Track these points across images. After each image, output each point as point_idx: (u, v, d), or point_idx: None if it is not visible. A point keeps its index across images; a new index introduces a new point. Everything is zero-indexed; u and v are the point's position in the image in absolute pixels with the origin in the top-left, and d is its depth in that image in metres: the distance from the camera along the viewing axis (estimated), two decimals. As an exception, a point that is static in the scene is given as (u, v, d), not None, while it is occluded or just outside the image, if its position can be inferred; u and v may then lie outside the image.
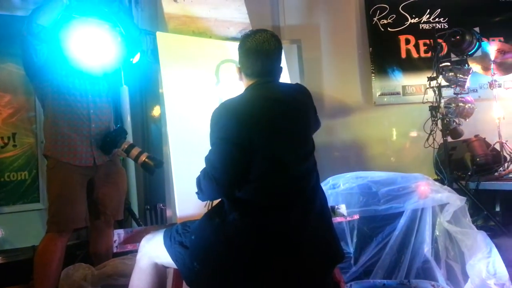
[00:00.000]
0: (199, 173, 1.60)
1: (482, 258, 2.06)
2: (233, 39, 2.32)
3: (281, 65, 1.71)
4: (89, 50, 2.30)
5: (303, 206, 1.54)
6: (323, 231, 1.59)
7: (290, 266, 1.49)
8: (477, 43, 3.87)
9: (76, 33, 2.27)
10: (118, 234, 1.88)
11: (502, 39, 4.69)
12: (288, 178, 1.54)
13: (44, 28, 2.13)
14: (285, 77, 2.36)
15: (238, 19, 2.41)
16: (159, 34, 2.14)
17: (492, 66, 3.95)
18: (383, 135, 4.67)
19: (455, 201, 2.33)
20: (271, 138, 1.53)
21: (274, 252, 1.48)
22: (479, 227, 3.41)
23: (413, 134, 4.59)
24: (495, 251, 2.08)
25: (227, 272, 1.49)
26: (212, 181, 1.52)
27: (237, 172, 1.50)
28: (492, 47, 3.99)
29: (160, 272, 1.69)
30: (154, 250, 1.66)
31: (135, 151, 2.29)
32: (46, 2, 2.15)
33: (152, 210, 3.57)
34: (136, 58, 2.99)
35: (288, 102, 1.61)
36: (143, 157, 2.27)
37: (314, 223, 1.54)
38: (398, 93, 4.77)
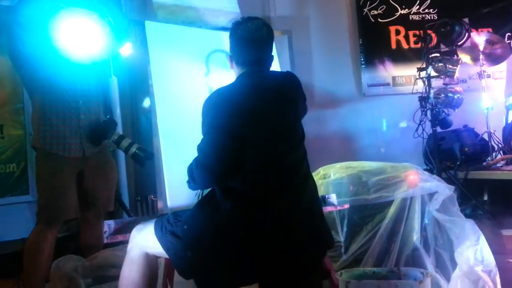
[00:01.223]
0: (191, 162, 1.60)
1: (470, 245, 2.08)
2: (223, 28, 2.30)
3: (272, 54, 1.71)
4: (77, 40, 2.26)
5: (294, 194, 1.55)
6: (313, 218, 1.60)
7: (282, 253, 1.50)
8: (466, 33, 3.90)
9: (64, 23, 2.24)
10: (108, 225, 1.87)
11: (490, 30, 4.72)
12: (280, 166, 1.55)
13: (31, 18, 2.10)
14: (275, 68, 2.36)
15: (228, 8, 2.39)
16: (148, 24, 2.12)
17: (481, 56, 3.98)
18: (373, 125, 4.70)
19: (444, 190, 2.35)
20: (262, 127, 1.53)
21: (266, 240, 1.48)
22: (467, 216, 3.45)
23: (403, 124, 4.63)
24: (482, 239, 2.11)
25: (219, 261, 1.49)
26: (205, 169, 1.52)
27: (230, 160, 1.50)
28: (481, 38, 4.02)
29: (151, 262, 1.68)
30: (145, 240, 1.66)
31: (125, 142, 2.28)
32: None
33: (143, 202, 3.56)
34: (125, 48, 2.97)
35: (279, 91, 1.61)
36: (133, 149, 2.26)
37: (304, 210, 1.55)
38: (388, 84, 4.80)
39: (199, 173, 1.54)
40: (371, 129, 4.68)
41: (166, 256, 1.63)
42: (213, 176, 1.52)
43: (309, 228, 1.56)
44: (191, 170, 1.58)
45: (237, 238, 1.48)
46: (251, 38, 1.61)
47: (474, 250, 2.07)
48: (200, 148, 1.55)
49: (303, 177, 1.61)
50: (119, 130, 3.35)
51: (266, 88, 1.59)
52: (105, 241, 1.86)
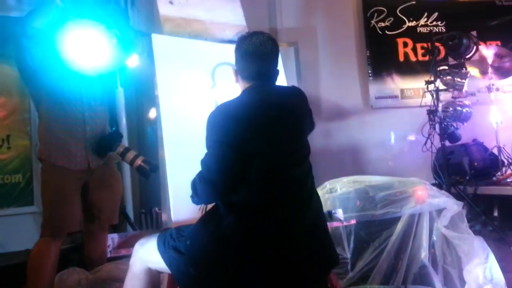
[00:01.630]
0: (195, 176, 1.58)
1: (479, 263, 2.04)
2: (229, 41, 2.30)
3: (278, 68, 1.70)
4: (84, 52, 2.28)
5: (299, 210, 1.53)
6: (317, 234, 1.58)
7: (286, 270, 1.47)
8: (474, 47, 3.87)
9: (71, 35, 2.25)
10: (112, 239, 1.86)
11: (499, 43, 4.69)
12: (284, 182, 1.53)
13: (39, 31, 2.11)
14: (282, 80, 2.35)
15: (234, 21, 2.39)
16: (154, 36, 2.12)
17: (490, 70, 3.95)
18: (380, 138, 4.66)
19: (452, 206, 2.31)
20: (267, 141, 1.52)
21: (270, 256, 1.46)
22: (477, 232, 3.41)
23: (411, 138, 4.58)
24: (492, 256, 2.07)
25: (223, 277, 1.47)
26: (209, 184, 1.50)
27: (234, 175, 1.48)
28: (489, 51, 3.99)
29: (153, 277, 1.67)
30: (147, 255, 1.64)
31: (130, 155, 2.27)
32: (41, 4, 2.13)
33: (148, 214, 3.54)
34: (132, 60, 2.98)
35: (284, 105, 1.60)
36: (138, 161, 2.25)
37: (309, 227, 1.53)
38: (396, 97, 4.77)
39: (202, 187, 1.53)
40: (379, 142, 4.65)
41: (169, 271, 1.62)
42: (217, 190, 1.51)
43: (313, 244, 1.54)
44: (194, 184, 1.57)
45: (241, 253, 1.46)
46: (256, 52, 1.61)
47: (483, 268, 2.03)
48: (204, 162, 1.53)
49: (307, 192, 1.59)
50: (125, 141, 3.35)
51: (271, 103, 1.58)
52: (109, 255, 1.85)
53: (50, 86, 2.24)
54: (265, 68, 1.63)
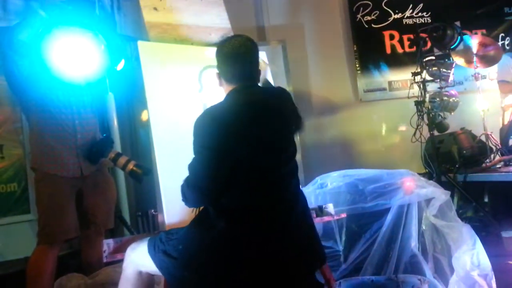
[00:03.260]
0: (183, 182, 1.61)
1: (467, 250, 2.09)
2: (215, 45, 2.33)
3: (259, 68, 1.73)
4: (72, 60, 2.30)
5: (286, 210, 1.57)
6: (304, 234, 1.62)
7: (276, 270, 1.51)
8: (459, 37, 3.92)
9: (58, 44, 2.27)
10: (108, 244, 1.90)
11: (484, 31, 4.75)
12: (272, 183, 1.57)
13: (25, 43, 2.14)
14: (269, 78, 2.38)
15: (219, 24, 2.42)
16: (140, 43, 2.15)
17: (475, 59, 4.00)
18: (371, 131, 4.72)
19: (440, 195, 2.36)
20: (254, 145, 1.55)
21: (260, 257, 1.50)
22: (468, 219, 3.48)
23: (401, 129, 4.64)
24: (479, 243, 2.12)
25: (215, 280, 1.51)
26: (197, 189, 1.53)
27: (221, 180, 1.51)
28: (474, 41, 4.04)
29: (146, 280, 1.70)
30: (139, 259, 1.68)
31: (122, 160, 2.30)
32: (25, 17, 2.15)
33: (144, 217, 3.57)
34: (120, 65, 3.00)
35: (269, 107, 1.63)
36: (130, 166, 2.28)
37: (296, 227, 1.57)
38: (384, 89, 4.81)
39: (190, 193, 1.56)
40: (369, 134, 4.70)
41: (160, 274, 1.65)
42: (204, 196, 1.54)
43: (300, 243, 1.58)
44: (183, 189, 1.60)
45: (232, 256, 1.49)
46: (236, 53, 1.64)
47: (470, 254, 2.08)
48: (191, 168, 1.56)
49: (294, 191, 1.63)
50: (118, 146, 3.38)
51: (256, 104, 1.61)
52: (104, 260, 1.89)
53: (39, 96, 2.26)
54: (246, 69, 1.66)
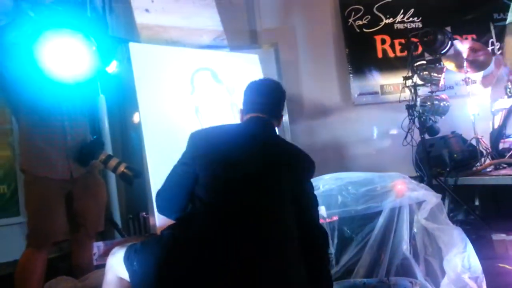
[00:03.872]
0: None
1: (458, 253, 2.10)
2: (207, 47, 2.34)
3: (282, 112, 1.76)
4: (62, 61, 2.28)
5: (252, 242, 1.47)
6: (278, 274, 1.48)
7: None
8: (449, 42, 3.96)
9: (48, 45, 2.25)
10: (98, 247, 1.89)
11: (474, 36, 4.80)
12: (245, 217, 1.50)
13: (14, 44, 2.12)
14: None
15: (211, 27, 2.43)
16: (132, 45, 2.15)
17: (465, 64, 4.04)
18: (363, 135, 4.73)
19: (432, 198, 2.37)
20: (229, 167, 1.54)
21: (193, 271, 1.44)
22: (459, 222, 3.50)
23: (393, 132, 4.66)
24: (470, 246, 2.13)
25: None
26: (158, 199, 1.62)
27: (182, 199, 1.56)
28: (464, 46, 4.09)
29: (124, 286, 1.67)
30: (117, 265, 1.66)
31: (113, 162, 2.29)
32: (15, 18, 2.13)
33: (135, 219, 3.55)
34: (111, 67, 2.98)
35: (271, 148, 1.64)
36: (121, 168, 2.27)
37: (264, 261, 1.47)
38: (376, 93, 4.84)
39: (156, 199, 1.63)
40: (362, 138, 4.71)
41: None
42: (161, 210, 1.62)
43: (269, 274, 1.46)
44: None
45: (184, 270, 1.45)
46: (263, 89, 1.73)
47: (461, 257, 2.08)
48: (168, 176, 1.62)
49: (269, 228, 1.52)
50: (108, 148, 3.36)
51: (257, 139, 1.63)
52: (95, 263, 1.87)
53: (28, 97, 2.24)
54: (269, 103, 1.71)
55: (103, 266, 2.23)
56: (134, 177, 2.28)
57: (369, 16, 4.85)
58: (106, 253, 1.87)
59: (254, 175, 1.55)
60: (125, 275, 1.63)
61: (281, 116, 1.76)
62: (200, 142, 1.57)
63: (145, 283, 1.50)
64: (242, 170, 1.54)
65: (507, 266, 2.61)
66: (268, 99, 1.71)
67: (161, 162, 2.08)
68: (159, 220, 2.00)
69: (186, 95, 2.19)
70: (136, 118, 3.82)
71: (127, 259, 1.60)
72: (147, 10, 2.26)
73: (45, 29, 2.24)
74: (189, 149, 1.59)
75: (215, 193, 1.52)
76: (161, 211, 1.66)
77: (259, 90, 1.71)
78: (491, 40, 4.84)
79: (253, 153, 1.58)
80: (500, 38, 4.80)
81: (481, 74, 4.45)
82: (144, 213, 3.49)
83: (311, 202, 1.69)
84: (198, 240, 1.46)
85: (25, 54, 2.18)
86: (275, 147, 1.66)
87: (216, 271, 1.42)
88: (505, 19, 4.63)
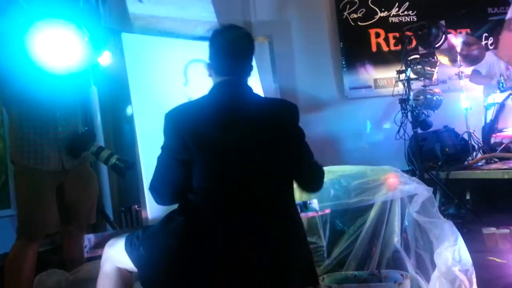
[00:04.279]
0: None
1: (449, 246, 2.11)
2: (201, 38, 2.32)
3: (252, 64, 1.66)
4: (54, 52, 2.25)
5: (257, 227, 1.46)
6: (282, 251, 1.47)
7: (234, 268, 1.42)
8: (443, 35, 3.96)
9: (40, 36, 2.22)
10: (89, 239, 1.88)
11: (468, 30, 4.81)
12: (238, 192, 1.47)
13: (5, 33, 2.09)
14: (254, 73, 2.37)
15: (205, 18, 2.41)
16: (124, 36, 2.13)
17: (459, 58, 4.05)
18: (356, 128, 4.74)
19: (423, 192, 2.38)
20: (214, 150, 1.47)
21: (217, 254, 1.42)
22: (451, 215, 3.53)
23: (386, 126, 4.68)
24: (460, 239, 2.14)
25: (173, 278, 1.47)
26: (152, 191, 1.54)
27: (176, 184, 1.49)
28: (458, 40, 4.09)
29: (124, 276, 1.66)
30: (116, 255, 1.65)
31: (104, 154, 2.26)
32: (6, 8, 2.10)
33: (127, 212, 3.53)
34: (104, 58, 2.95)
35: (255, 113, 1.53)
36: (113, 160, 2.25)
37: (270, 245, 1.46)
38: (370, 87, 4.84)
39: (151, 193, 1.57)
40: (354, 132, 4.73)
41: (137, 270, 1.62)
42: (160, 199, 1.55)
43: (271, 260, 1.44)
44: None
45: (188, 250, 1.45)
46: (231, 48, 1.58)
47: (452, 250, 2.10)
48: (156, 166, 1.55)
49: (272, 209, 1.50)
50: (100, 139, 3.34)
51: (238, 104, 1.54)
52: (86, 255, 1.86)
53: (20, 88, 2.21)
54: (238, 64, 1.59)
55: (94, 258, 2.22)
56: (126, 169, 2.26)
57: (364, 9, 4.84)
58: (97, 246, 1.85)
59: (246, 152, 1.49)
60: (126, 264, 1.61)
61: (252, 68, 1.63)
62: (182, 124, 1.48)
63: (153, 268, 1.49)
64: (235, 152, 1.48)
65: (496, 259, 2.64)
66: (242, 60, 1.58)
67: (153, 154, 2.05)
68: (151, 213, 1.99)
69: (179, 87, 2.18)
70: (128, 109, 3.79)
71: (130, 246, 1.59)
72: (140, 0, 2.23)
73: (37, 19, 2.21)
74: (173, 133, 1.48)
75: (213, 179, 1.48)
76: (161, 203, 1.60)
77: (230, 51, 1.56)
78: (484, 35, 4.85)
79: (239, 129, 1.49)
80: (494, 32, 4.82)
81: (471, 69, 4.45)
82: (136, 206, 3.47)
83: (304, 150, 1.62)
84: (207, 230, 1.45)
85: (16, 44, 2.15)
86: (258, 114, 1.53)
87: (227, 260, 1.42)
88: (500, 14, 4.65)
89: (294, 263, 1.49)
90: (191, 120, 1.50)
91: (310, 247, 1.65)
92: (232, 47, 1.58)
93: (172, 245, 1.46)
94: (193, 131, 1.47)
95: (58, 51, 2.26)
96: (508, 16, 4.24)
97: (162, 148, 1.53)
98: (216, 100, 1.56)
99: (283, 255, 1.47)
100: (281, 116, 1.58)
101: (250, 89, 1.63)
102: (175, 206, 1.74)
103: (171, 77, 2.20)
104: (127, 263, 1.61)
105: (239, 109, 1.53)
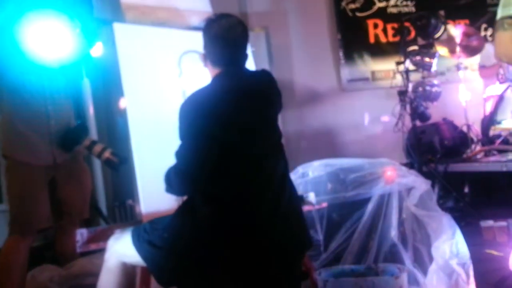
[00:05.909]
0: (168, 170, 1.55)
1: (447, 239, 2.10)
2: (195, 28, 2.27)
3: (247, 52, 1.67)
4: (45, 44, 2.21)
5: (273, 197, 1.54)
6: (292, 220, 1.60)
7: (262, 259, 1.50)
8: (442, 26, 3.91)
9: (31, 26, 2.18)
10: (81, 234, 1.85)
11: (467, 21, 4.76)
12: (258, 170, 1.54)
13: None
14: (251, 65, 2.33)
15: (200, 8, 2.36)
16: (116, 26, 2.08)
17: (458, 49, 4.00)
18: (353, 121, 4.70)
19: (421, 185, 2.36)
20: (240, 132, 1.52)
21: (247, 245, 1.48)
22: (449, 209, 3.51)
23: (384, 119, 4.63)
24: (458, 232, 2.13)
25: (202, 268, 1.48)
26: (186, 177, 1.49)
27: (211, 166, 1.48)
28: (457, 30, 4.04)
29: (128, 271, 1.66)
30: (122, 249, 1.63)
31: (97, 148, 2.24)
32: None
33: (121, 207, 3.50)
34: (96, 50, 2.90)
35: (256, 92, 1.60)
36: (106, 154, 2.22)
37: (283, 213, 1.55)
38: (367, 79, 4.79)
39: (178, 181, 1.51)
40: (352, 124, 4.68)
41: (144, 265, 1.61)
42: (194, 183, 1.50)
43: (288, 232, 1.56)
44: (169, 178, 1.54)
45: (218, 245, 1.47)
46: (226, 37, 1.57)
47: (450, 244, 2.09)
48: (180, 155, 1.50)
49: (281, 178, 1.60)
50: (93, 133, 3.29)
51: (243, 89, 1.57)
52: (78, 250, 1.84)
53: (10, 80, 2.18)
54: (235, 53, 1.60)
55: (87, 254, 2.20)
56: (120, 163, 2.23)
57: (362, 0, 4.77)
58: (89, 241, 1.83)
59: (261, 137, 1.57)
60: (132, 258, 1.60)
61: (248, 57, 1.67)
62: (204, 113, 1.49)
63: (175, 261, 1.50)
64: (251, 134, 1.54)
65: (494, 252, 2.63)
66: (238, 49, 1.60)
67: (147, 148, 2.02)
68: (145, 208, 1.96)
69: (173, 78, 2.13)
70: (121, 102, 3.75)
71: (138, 239, 1.58)
72: (132, -10, 2.18)
73: (28, 10, 2.16)
74: (202, 117, 1.48)
75: (236, 166, 1.52)
76: (183, 189, 1.58)
77: (227, 39, 1.57)
78: (483, 26, 4.80)
79: (252, 110, 1.56)
80: (493, 23, 4.76)
81: (474, 59, 4.41)
82: (130, 201, 3.44)
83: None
84: (238, 218, 1.49)
85: (7, 36, 2.12)
86: (261, 95, 1.61)
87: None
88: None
89: (305, 229, 1.67)
90: (218, 105, 1.51)
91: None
92: (228, 35, 1.58)
93: (200, 237, 1.47)
94: (222, 112, 1.50)
95: (49, 43, 2.22)
96: (498, 16, 4.18)
97: (192, 133, 1.49)
98: (224, 89, 1.56)
99: (300, 224, 1.63)
100: (273, 88, 1.68)
101: (245, 73, 1.66)
102: (174, 203, 1.74)
103: (165, 68, 2.15)
104: (134, 257, 1.59)
105: (247, 91, 1.57)
